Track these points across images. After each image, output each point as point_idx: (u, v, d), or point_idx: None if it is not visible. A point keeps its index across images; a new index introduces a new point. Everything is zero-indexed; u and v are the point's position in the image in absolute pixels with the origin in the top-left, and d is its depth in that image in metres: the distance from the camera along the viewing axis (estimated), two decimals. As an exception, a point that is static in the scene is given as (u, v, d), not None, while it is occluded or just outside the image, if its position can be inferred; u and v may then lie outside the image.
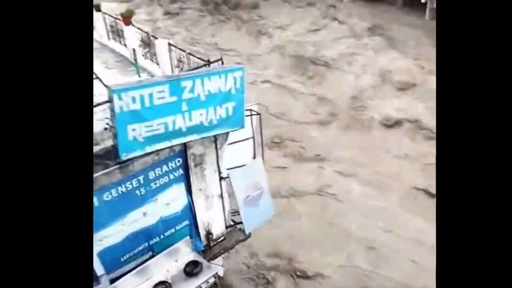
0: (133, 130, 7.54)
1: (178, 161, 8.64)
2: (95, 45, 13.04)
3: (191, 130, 8.09)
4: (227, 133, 8.76)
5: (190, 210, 9.03)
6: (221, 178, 9.10)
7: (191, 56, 9.59)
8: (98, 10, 12.71)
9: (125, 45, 12.03)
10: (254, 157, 9.86)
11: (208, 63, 8.77)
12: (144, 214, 8.44)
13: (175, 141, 8.05)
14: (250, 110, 9.36)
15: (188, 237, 8.98)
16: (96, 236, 7.92)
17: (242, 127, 8.66)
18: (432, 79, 18.82)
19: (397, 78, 20.49)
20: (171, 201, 8.71)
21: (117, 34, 12.42)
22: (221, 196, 9.23)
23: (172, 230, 8.93)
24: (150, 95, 7.45)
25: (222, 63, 8.90)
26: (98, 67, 11.23)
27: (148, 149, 7.82)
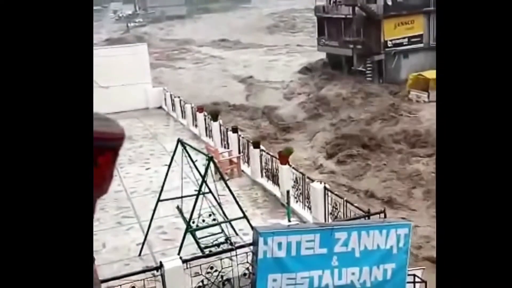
0: (274, 280, 7.66)
1: (320, 326, 8.36)
2: (246, 181, 14.19)
3: (340, 290, 7.91)
4: (383, 300, 8.31)
5: None
6: None
7: (348, 204, 9.78)
8: (257, 147, 14.04)
9: (277, 185, 12.83)
10: (414, 338, 9.03)
11: (368, 214, 8.81)
12: None
13: (319, 301, 7.90)
14: (414, 275, 8.88)
15: None
16: None
17: (402, 295, 8.19)
18: None
19: None
20: None
21: (271, 172, 13.39)
22: None
23: None
24: (298, 243, 7.63)
25: (385, 216, 8.87)
26: (246, 204, 12.08)
27: (287, 306, 7.78)
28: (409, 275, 8.31)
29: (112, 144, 0.77)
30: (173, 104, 22.85)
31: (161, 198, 10.10)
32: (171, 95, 23.45)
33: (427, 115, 34.41)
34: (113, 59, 23.67)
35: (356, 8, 45.41)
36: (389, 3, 44.00)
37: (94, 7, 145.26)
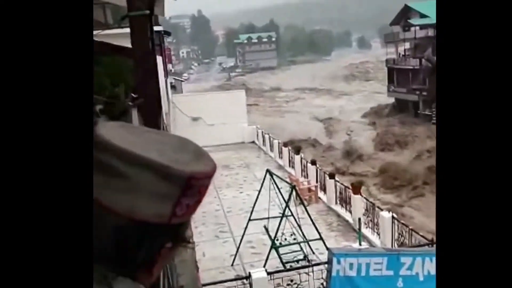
0: (345, 296, 7.37)
1: None
2: (323, 207, 13.91)
3: (404, 309, 7.43)
4: (445, 323, 7.69)
5: None
6: None
7: (413, 232, 9.26)
8: (332, 177, 13.80)
9: (350, 212, 12.46)
10: None
11: (432, 243, 8.27)
12: None
13: (386, 318, 7.47)
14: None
15: None
16: None
17: (463, 320, 7.53)
18: None
19: None
20: None
21: (345, 200, 13.05)
22: None
23: None
24: (367, 265, 7.32)
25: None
26: (322, 227, 11.82)
27: (357, 320, 7.43)
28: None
29: (210, 180, 0.77)
30: (263, 140, 23.18)
31: (252, 218, 10.17)
32: (262, 132, 23.81)
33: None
34: (218, 102, 24.60)
35: (423, 60, 43.98)
36: (453, 55, 42.10)
37: (204, 60, 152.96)
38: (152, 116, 2.58)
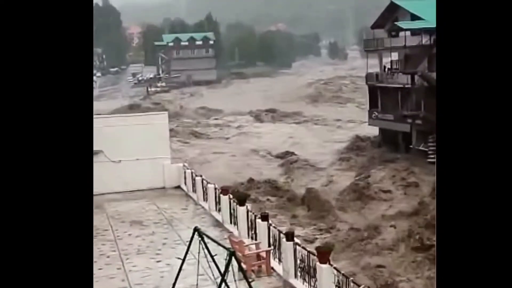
0: None
1: None
2: (277, 282, 13.85)
3: None
4: None
5: None
6: None
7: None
8: (291, 239, 13.81)
9: (315, 287, 12.47)
10: None
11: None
12: None
13: None
14: None
15: None
16: None
17: None
18: None
19: None
20: None
21: (307, 271, 13.05)
22: None
23: None
24: None
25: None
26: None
27: None
28: None
29: None
30: (193, 184, 22.98)
31: (172, 300, 9.94)
32: (192, 172, 23.64)
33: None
34: (128, 129, 24.26)
35: (416, 77, 45.81)
36: (455, 71, 44.27)
37: (111, 69, 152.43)
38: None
